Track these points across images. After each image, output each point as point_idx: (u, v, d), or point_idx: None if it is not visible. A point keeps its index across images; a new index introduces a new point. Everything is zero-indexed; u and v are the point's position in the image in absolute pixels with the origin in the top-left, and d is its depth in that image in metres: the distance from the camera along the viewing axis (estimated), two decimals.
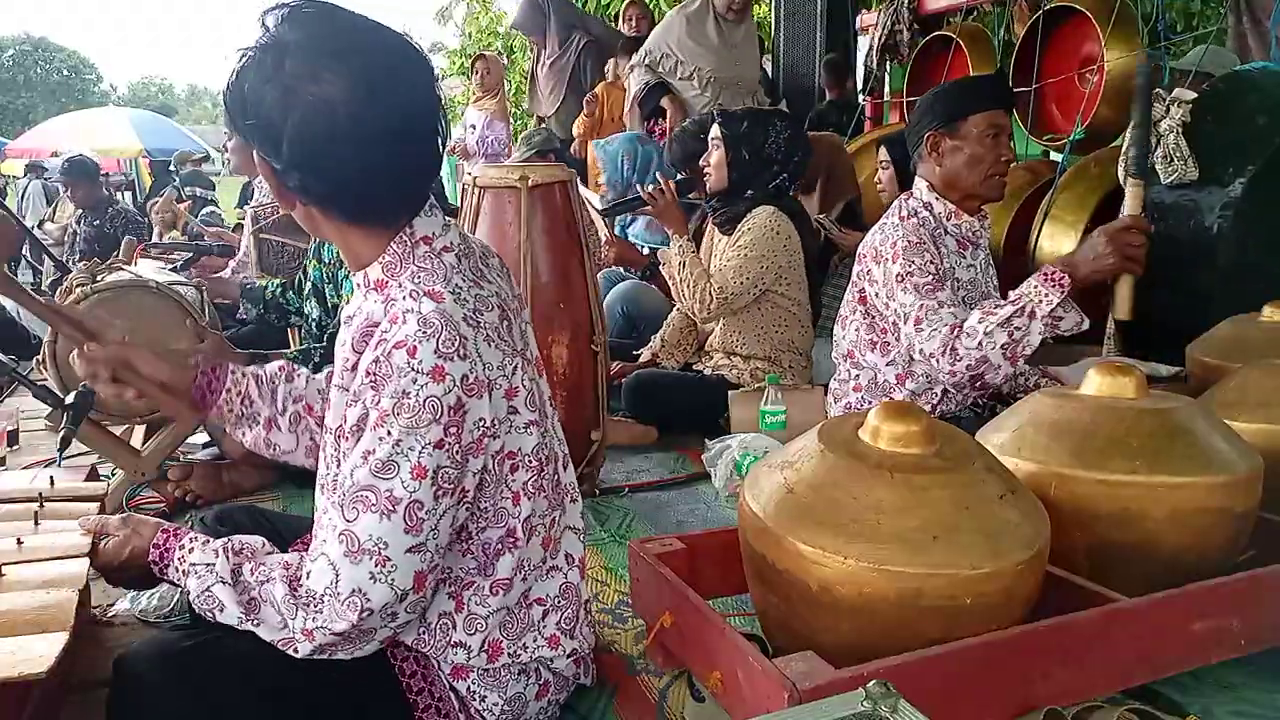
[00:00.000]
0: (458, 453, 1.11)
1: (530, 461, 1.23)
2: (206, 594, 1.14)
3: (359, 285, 1.22)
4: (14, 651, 1.04)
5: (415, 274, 1.16)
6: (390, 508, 1.08)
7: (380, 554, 1.08)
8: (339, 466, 1.18)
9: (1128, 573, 1.48)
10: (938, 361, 2.13)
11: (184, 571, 1.16)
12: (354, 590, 1.08)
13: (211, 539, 1.19)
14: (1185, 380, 2.47)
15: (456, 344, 1.09)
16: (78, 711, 1.43)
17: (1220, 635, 1.41)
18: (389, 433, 1.08)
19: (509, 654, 1.25)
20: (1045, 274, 2.09)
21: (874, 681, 0.88)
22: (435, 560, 1.14)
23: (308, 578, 1.12)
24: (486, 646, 1.24)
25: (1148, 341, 2.94)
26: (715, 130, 2.99)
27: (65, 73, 39.50)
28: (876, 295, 2.30)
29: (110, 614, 1.77)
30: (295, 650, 1.12)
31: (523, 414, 1.20)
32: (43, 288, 6.34)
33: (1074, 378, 2.36)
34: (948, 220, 2.32)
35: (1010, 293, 2.14)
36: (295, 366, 1.46)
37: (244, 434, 1.42)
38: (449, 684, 1.25)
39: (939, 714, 0.85)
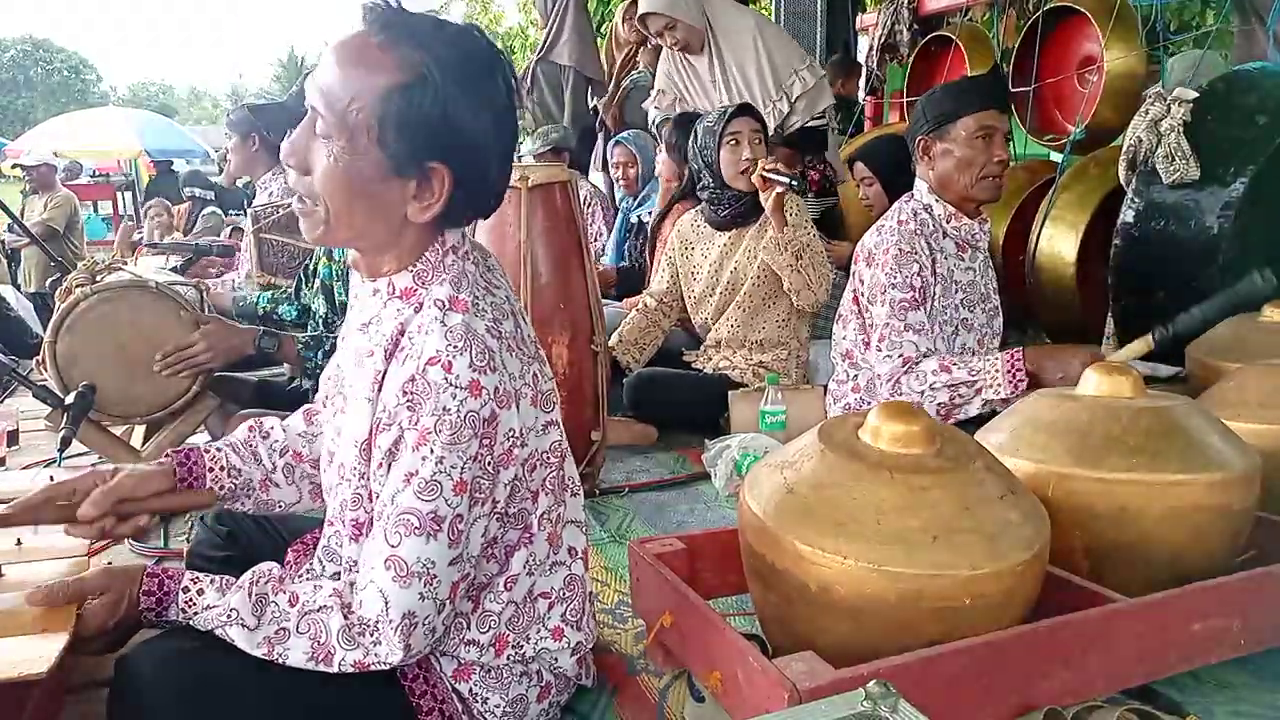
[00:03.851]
0: (489, 464, 1.12)
1: (550, 459, 1.25)
2: (221, 633, 1.12)
3: (377, 292, 1.21)
4: (14, 651, 1.04)
5: (444, 283, 1.17)
6: (435, 528, 1.09)
7: (428, 573, 1.09)
8: (360, 479, 1.18)
9: (1127, 572, 1.48)
10: (880, 384, 2.24)
11: (194, 613, 1.13)
12: (405, 614, 1.09)
13: (220, 578, 1.16)
14: (1185, 380, 2.47)
15: (487, 358, 1.10)
16: (78, 711, 1.43)
17: (1220, 635, 1.41)
18: (431, 451, 1.08)
19: (513, 646, 1.26)
20: (1012, 366, 2.09)
21: (874, 681, 0.87)
22: (468, 570, 1.15)
23: (360, 606, 1.12)
24: (494, 641, 1.25)
25: None
26: (745, 124, 2.95)
27: (65, 73, 39.50)
28: (864, 296, 2.32)
29: None
30: (329, 669, 1.12)
31: (542, 416, 1.22)
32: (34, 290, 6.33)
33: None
34: (947, 223, 2.33)
35: (973, 360, 2.16)
36: (266, 422, 1.44)
37: (243, 504, 1.41)
38: (451, 685, 1.25)
39: (939, 714, 0.85)
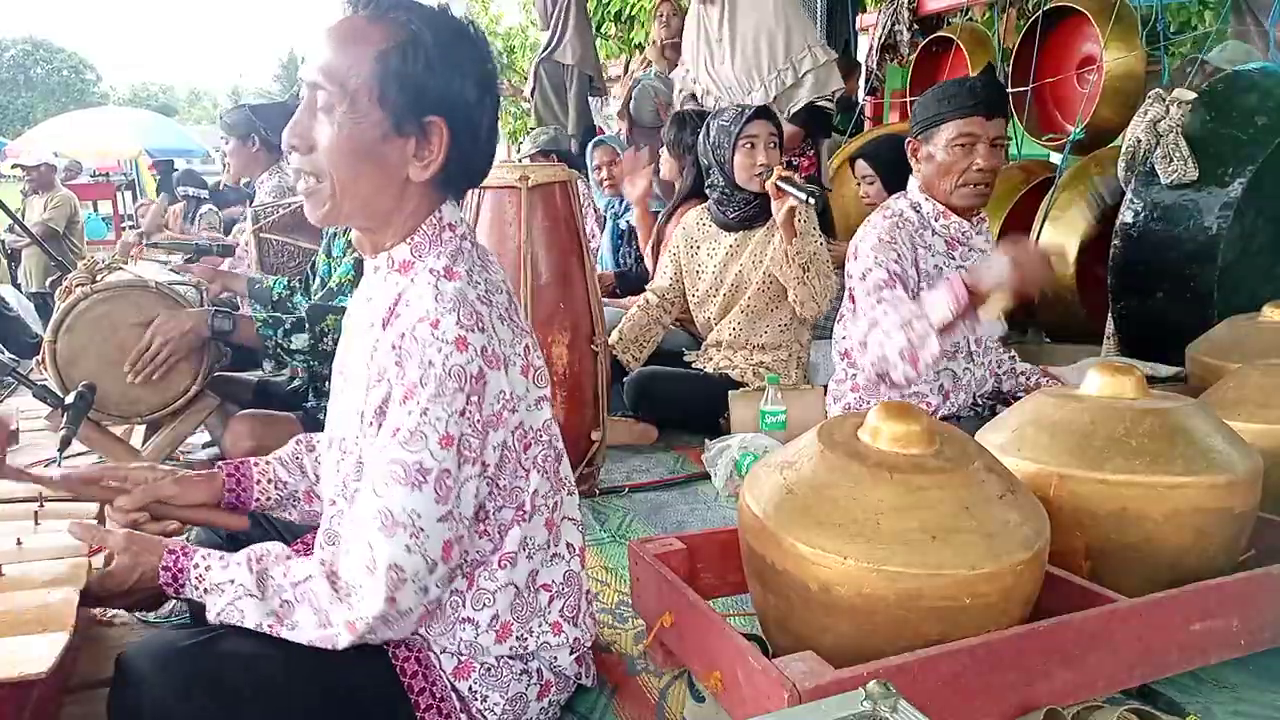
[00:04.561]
0: (479, 422, 1.14)
1: (542, 437, 1.27)
2: (230, 608, 1.15)
3: (379, 267, 1.25)
4: (14, 651, 1.04)
5: (439, 255, 1.21)
6: (421, 479, 1.10)
7: (414, 525, 1.11)
8: (358, 448, 1.20)
9: (1127, 573, 1.48)
10: (858, 354, 2.16)
11: (204, 590, 1.17)
12: (390, 565, 1.10)
13: (228, 554, 1.19)
14: (1185, 380, 2.47)
15: (475, 319, 1.14)
16: (78, 711, 1.43)
17: (1220, 635, 1.41)
18: (417, 403, 1.11)
19: (516, 637, 1.27)
20: (949, 283, 1.91)
21: (874, 681, 0.88)
22: (461, 530, 1.16)
23: (345, 557, 1.14)
24: (496, 625, 1.25)
25: (1148, 341, 2.95)
26: (763, 128, 2.90)
27: (65, 73, 39.48)
28: (853, 288, 2.32)
29: (110, 614, 1.77)
30: (335, 644, 1.14)
31: (534, 390, 1.24)
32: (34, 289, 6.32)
33: (1074, 378, 2.37)
34: (935, 220, 2.33)
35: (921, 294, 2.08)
36: (313, 437, 1.48)
37: (290, 513, 1.46)
38: (450, 683, 1.25)
39: (939, 714, 0.85)
